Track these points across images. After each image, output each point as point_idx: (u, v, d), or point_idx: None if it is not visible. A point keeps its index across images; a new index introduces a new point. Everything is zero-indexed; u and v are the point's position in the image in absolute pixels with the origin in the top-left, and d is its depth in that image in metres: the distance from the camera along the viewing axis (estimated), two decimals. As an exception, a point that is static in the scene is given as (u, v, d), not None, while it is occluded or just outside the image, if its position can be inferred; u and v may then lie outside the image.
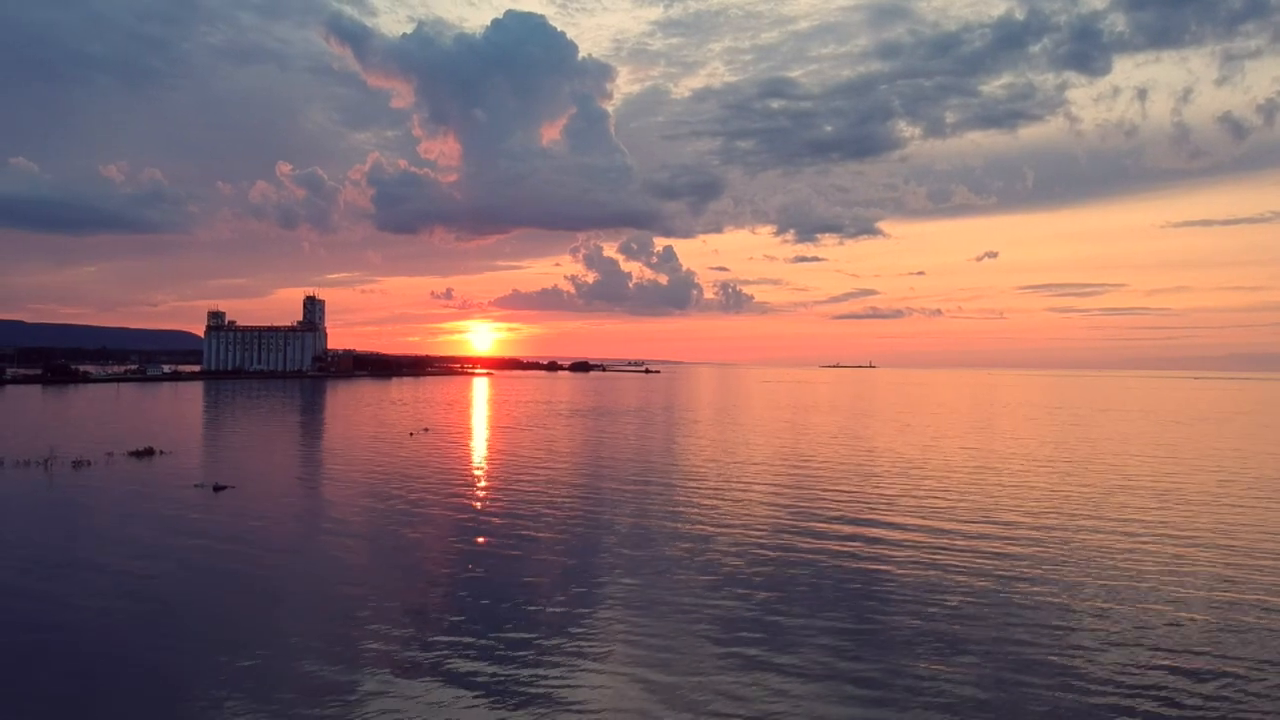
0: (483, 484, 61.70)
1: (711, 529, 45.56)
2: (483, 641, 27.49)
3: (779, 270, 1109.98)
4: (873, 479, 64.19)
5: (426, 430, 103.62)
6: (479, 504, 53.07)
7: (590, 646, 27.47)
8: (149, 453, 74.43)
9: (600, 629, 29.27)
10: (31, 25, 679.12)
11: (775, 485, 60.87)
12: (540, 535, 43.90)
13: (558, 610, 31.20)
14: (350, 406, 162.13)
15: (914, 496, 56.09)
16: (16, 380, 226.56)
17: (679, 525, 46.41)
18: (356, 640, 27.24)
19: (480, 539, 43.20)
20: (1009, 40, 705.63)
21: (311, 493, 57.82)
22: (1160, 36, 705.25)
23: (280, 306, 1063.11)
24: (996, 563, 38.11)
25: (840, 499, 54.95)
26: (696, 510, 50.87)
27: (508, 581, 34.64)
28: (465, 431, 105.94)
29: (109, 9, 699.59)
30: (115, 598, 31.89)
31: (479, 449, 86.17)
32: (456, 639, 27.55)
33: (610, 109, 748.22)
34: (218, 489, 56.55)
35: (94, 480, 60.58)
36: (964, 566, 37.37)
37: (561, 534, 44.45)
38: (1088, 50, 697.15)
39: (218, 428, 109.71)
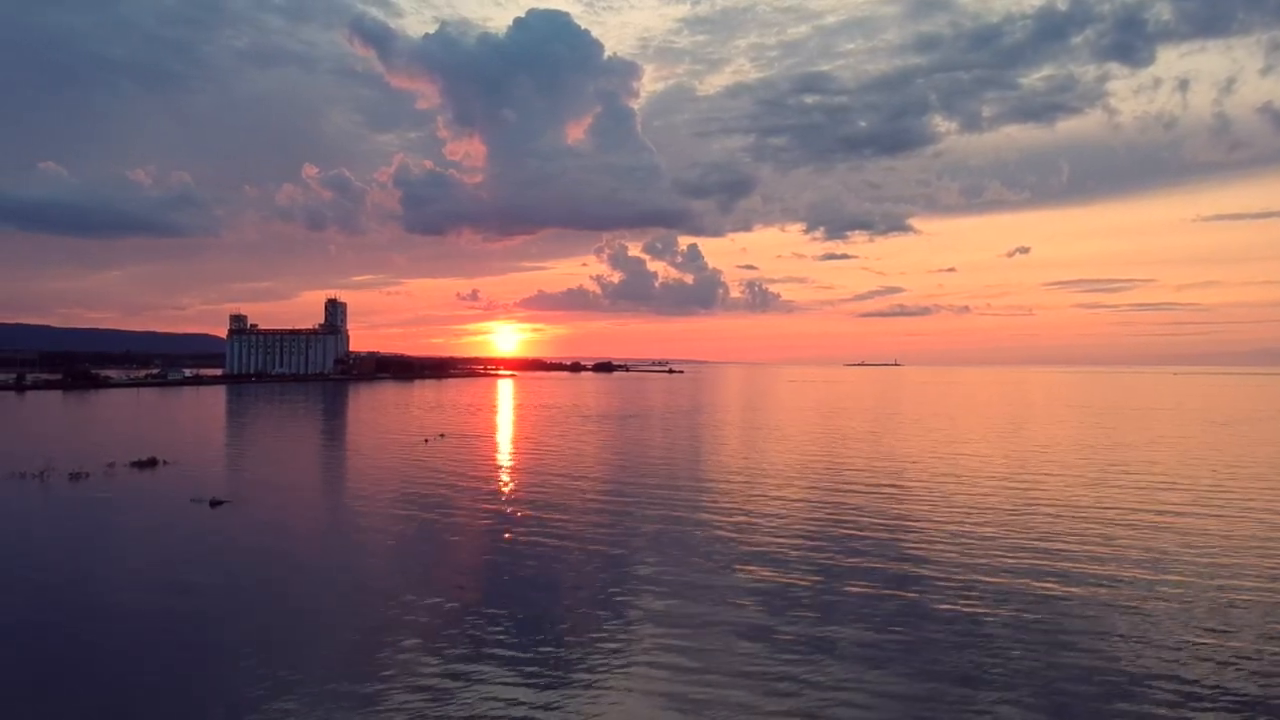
0: (495, 498, 58.15)
1: (741, 544, 41.91)
2: (499, 669, 24.18)
3: (806, 268, 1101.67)
4: (904, 489, 60.07)
5: (442, 436, 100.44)
6: (490, 520, 49.56)
7: (614, 670, 25.15)
8: (152, 463, 71.55)
9: (626, 655, 26.74)
10: (56, 30, 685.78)
11: (808, 501, 56.99)
12: (558, 553, 40.41)
13: (577, 634, 28.46)
14: (368, 410, 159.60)
15: (949, 510, 51.97)
16: (37, 385, 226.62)
17: (707, 542, 42.74)
18: (345, 674, 23.83)
19: (490, 559, 39.68)
20: (1051, 31, 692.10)
21: (312, 508, 54.57)
22: (1207, 25, 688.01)
23: (306, 309, 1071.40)
24: (1040, 584, 34.16)
25: (874, 511, 51.00)
26: (726, 526, 47.10)
27: (522, 604, 31.13)
28: (482, 438, 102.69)
29: (133, 13, 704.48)
30: (78, 620, 28.75)
31: (494, 457, 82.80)
32: (464, 670, 24.11)
33: (636, 107, 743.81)
34: (214, 504, 53.39)
35: (88, 494, 57.68)
36: (1007, 590, 33.45)
37: (581, 551, 41.05)
38: (1131, 41, 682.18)
39: (229, 434, 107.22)
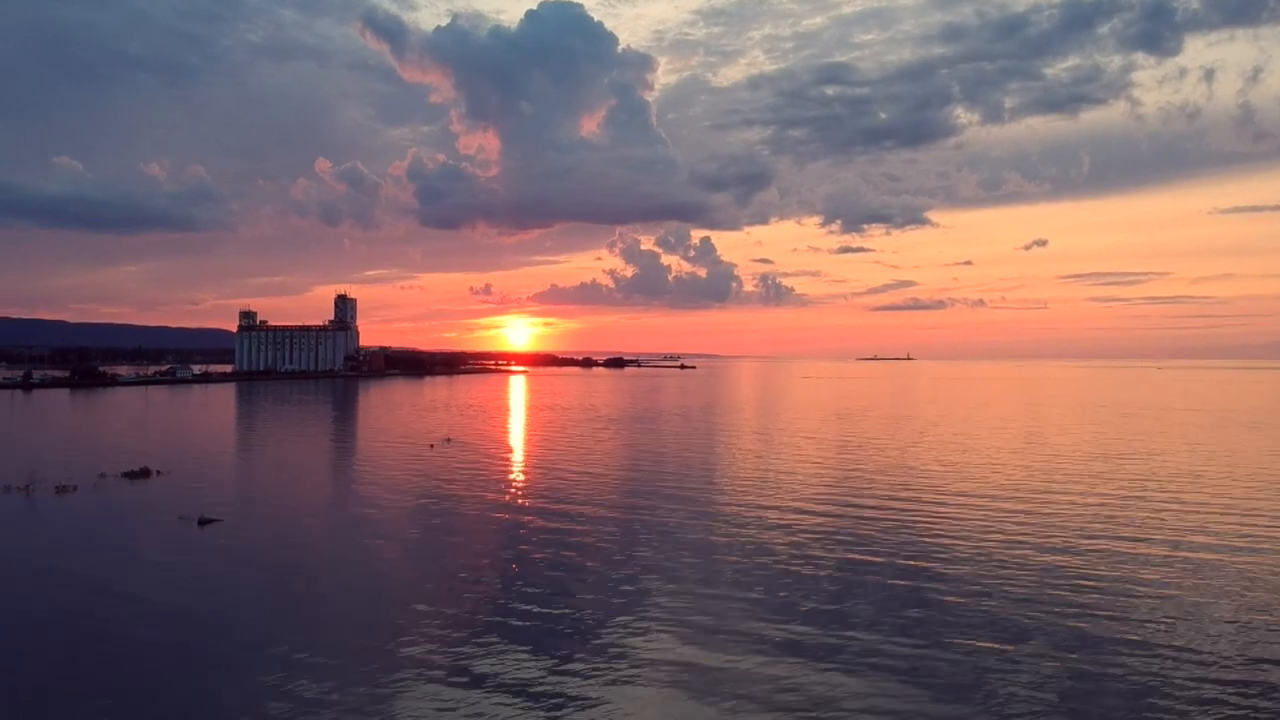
0: (501, 514, 55.05)
1: (755, 565, 39.04)
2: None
3: (820, 261, 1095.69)
4: (924, 506, 56.59)
5: (449, 441, 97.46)
6: (495, 540, 46.53)
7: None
8: (144, 474, 68.77)
9: (639, 680, 24.61)
10: (72, 25, 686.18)
11: (824, 522, 53.61)
12: (566, 574, 37.69)
13: (586, 661, 25.75)
14: (376, 411, 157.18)
15: (972, 531, 48.55)
16: (44, 384, 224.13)
17: (719, 559, 39.89)
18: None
19: (495, 587, 36.59)
20: (1077, 21, 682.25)
21: (304, 529, 51.34)
22: (1237, 14, 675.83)
23: (319, 304, 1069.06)
24: (1064, 607, 30.90)
25: (893, 530, 47.67)
26: (740, 542, 44.14)
27: (529, 634, 28.10)
28: (489, 443, 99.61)
29: (150, 7, 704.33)
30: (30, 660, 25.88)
31: (501, 467, 79.62)
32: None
33: (650, 100, 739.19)
34: (203, 523, 50.52)
35: (73, 509, 55.06)
36: (1028, 613, 30.16)
37: (591, 572, 38.69)
38: (1159, 30, 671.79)
39: (230, 440, 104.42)
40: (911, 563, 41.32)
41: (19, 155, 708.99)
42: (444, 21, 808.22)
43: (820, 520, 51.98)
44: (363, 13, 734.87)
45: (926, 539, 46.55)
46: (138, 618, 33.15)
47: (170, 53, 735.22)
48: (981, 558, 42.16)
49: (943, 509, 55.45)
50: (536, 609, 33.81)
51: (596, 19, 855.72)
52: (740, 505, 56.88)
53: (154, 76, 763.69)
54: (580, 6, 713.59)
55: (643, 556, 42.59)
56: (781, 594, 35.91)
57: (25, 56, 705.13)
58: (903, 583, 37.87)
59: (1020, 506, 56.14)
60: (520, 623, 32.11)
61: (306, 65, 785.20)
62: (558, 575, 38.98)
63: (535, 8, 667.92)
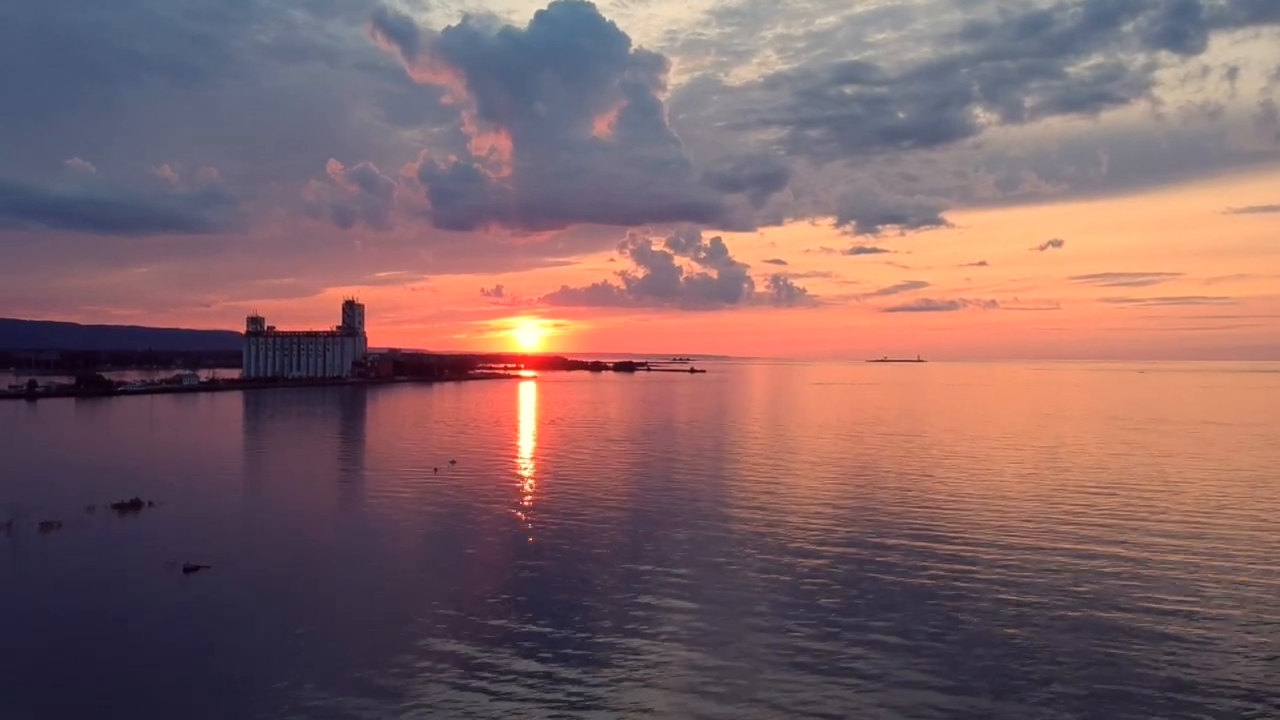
0: (507, 547, 52.28)
1: (761, 599, 36.23)
2: None
3: (832, 262, 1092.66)
4: (944, 544, 53.58)
5: (453, 463, 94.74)
6: (499, 576, 43.65)
7: None
8: (135, 505, 66.29)
9: None
10: (82, 27, 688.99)
11: (839, 569, 50.56)
12: (570, 610, 34.99)
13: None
14: (382, 426, 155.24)
15: (993, 568, 45.49)
16: (49, 393, 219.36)
17: (730, 589, 36.90)
18: None
19: (497, 624, 33.76)
20: (1102, 18, 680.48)
21: (298, 575, 48.44)
22: (1264, 11, 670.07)
23: (329, 306, 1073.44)
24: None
25: (906, 576, 44.71)
26: (751, 575, 41.10)
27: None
28: (495, 466, 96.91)
29: (160, 8, 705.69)
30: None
31: (507, 493, 76.51)
32: None
33: (663, 100, 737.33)
34: (189, 570, 47.93)
35: (54, 550, 52.82)
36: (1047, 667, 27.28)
37: (601, 610, 35.75)
38: (1184, 27, 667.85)
39: (227, 462, 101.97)
40: (924, 618, 38.68)
41: (29, 156, 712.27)
42: (454, 22, 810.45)
43: (833, 568, 49.00)
44: (373, 13, 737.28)
45: (940, 585, 43.72)
46: (102, 682, 30.46)
47: (181, 54, 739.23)
48: (1000, 611, 39.43)
49: (958, 549, 52.44)
50: (544, 668, 31.05)
51: (608, 19, 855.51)
52: (746, 540, 53.83)
53: (164, 77, 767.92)
54: (591, 6, 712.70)
55: (645, 597, 41.28)
56: (788, 640, 34.07)
57: (34, 57, 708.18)
58: (912, 629, 35.83)
59: (1041, 551, 52.97)
60: (527, 675, 29.47)
61: (317, 66, 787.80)
62: (561, 610, 38.02)
63: (546, 8, 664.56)
